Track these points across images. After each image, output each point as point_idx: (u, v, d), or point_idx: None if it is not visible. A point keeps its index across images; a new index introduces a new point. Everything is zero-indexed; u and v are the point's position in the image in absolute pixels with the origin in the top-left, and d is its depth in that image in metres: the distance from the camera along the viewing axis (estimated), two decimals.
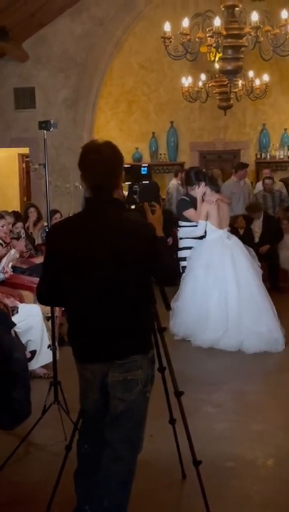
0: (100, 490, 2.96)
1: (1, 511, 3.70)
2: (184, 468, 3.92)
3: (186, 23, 7.21)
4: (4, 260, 6.32)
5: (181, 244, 7.62)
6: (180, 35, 7.22)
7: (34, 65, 11.35)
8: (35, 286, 3.25)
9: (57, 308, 5.17)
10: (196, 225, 7.38)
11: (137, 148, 12.71)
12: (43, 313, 5.93)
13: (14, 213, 8.21)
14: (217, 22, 6.79)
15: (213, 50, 7.72)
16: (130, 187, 3.46)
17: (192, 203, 7.43)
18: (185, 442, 3.54)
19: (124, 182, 3.59)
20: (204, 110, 12.08)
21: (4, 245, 6.66)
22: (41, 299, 3.17)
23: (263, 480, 4.05)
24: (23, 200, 13.48)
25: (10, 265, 6.44)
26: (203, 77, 9.85)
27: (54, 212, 8.08)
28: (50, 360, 4.89)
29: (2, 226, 6.81)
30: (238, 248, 7.20)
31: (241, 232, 9.55)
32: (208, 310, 6.86)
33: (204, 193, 7.31)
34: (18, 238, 7.38)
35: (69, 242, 2.86)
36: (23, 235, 7.77)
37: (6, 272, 6.33)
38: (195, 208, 7.38)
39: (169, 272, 3.04)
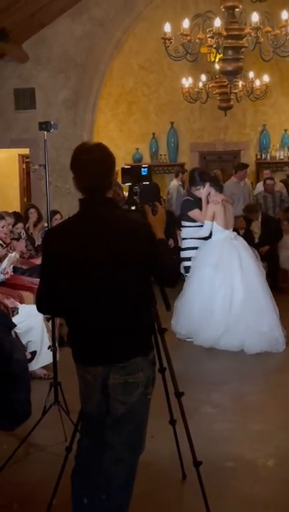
0: (101, 491, 2.96)
1: None
2: (184, 469, 3.93)
3: (186, 23, 7.21)
4: (5, 262, 6.33)
5: (185, 244, 7.63)
6: (180, 35, 7.22)
7: (34, 65, 11.35)
8: (36, 286, 3.25)
9: None
10: (199, 226, 7.39)
11: (137, 149, 12.71)
12: None
13: (14, 214, 8.20)
14: (217, 23, 6.79)
15: (214, 50, 7.71)
16: (130, 188, 3.46)
17: (196, 203, 7.44)
18: (185, 443, 3.55)
19: (125, 183, 3.60)
20: (204, 111, 12.08)
21: (4, 246, 6.66)
22: (41, 307, 3.11)
23: (263, 480, 4.06)
24: (23, 201, 13.48)
25: (11, 267, 6.46)
26: (203, 77, 9.85)
27: (54, 212, 8.07)
28: (51, 361, 4.89)
29: (2, 227, 6.82)
30: (244, 248, 7.26)
31: (241, 233, 9.55)
32: (213, 309, 6.89)
33: (209, 194, 7.33)
34: (18, 239, 7.38)
35: (65, 245, 2.86)
36: (24, 236, 7.77)
37: (7, 272, 6.34)
38: (199, 208, 7.39)
39: (170, 273, 3.04)
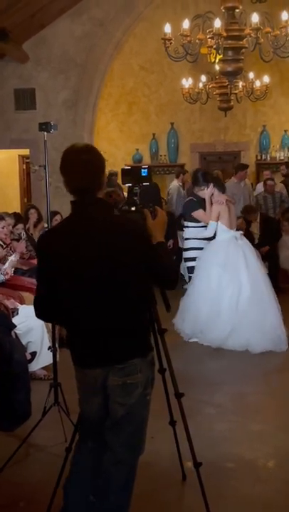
0: (101, 491, 2.96)
1: None
2: (184, 470, 3.93)
3: (186, 24, 7.22)
4: (6, 265, 6.34)
5: (188, 244, 7.63)
6: (180, 36, 7.23)
7: (34, 66, 11.34)
8: (36, 287, 3.23)
9: None
10: (203, 226, 7.40)
11: (137, 150, 12.72)
12: None
13: (15, 215, 8.21)
14: (217, 23, 6.80)
15: (214, 51, 7.72)
16: (130, 189, 3.46)
17: (200, 203, 7.44)
18: (185, 443, 3.55)
19: (125, 183, 3.60)
20: (204, 111, 12.09)
21: (4, 246, 6.67)
22: (38, 311, 3.05)
23: (263, 480, 4.05)
24: (23, 202, 13.49)
25: (12, 270, 6.47)
26: (203, 78, 9.86)
27: (54, 213, 8.07)
28: (51, 361, 4.89)
29: (2, 227, 6.82)
30: (249, 248, 7.31)
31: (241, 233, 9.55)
32: (220, 309, 6.90)
33: (212, 194, 7.34)
34: (18, 240, 7.38)
35: (58, 246, 2.86)
36: (24, 237, 7.77)
37: (7, 273, 6.34)
38: (202, 208, 7.40)
39: (170, 273, 3.03)
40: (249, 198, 10.79)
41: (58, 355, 4.67)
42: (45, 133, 4.63)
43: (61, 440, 4.28)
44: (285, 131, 12.57)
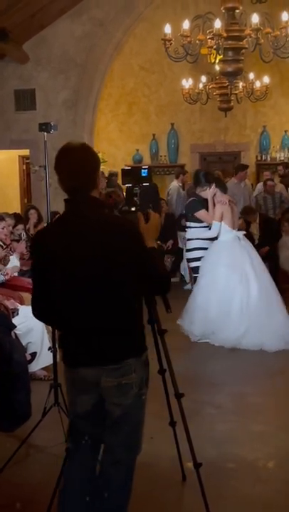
0: (100, 492, 2.95)
1: None
2: (184, 470, 3.93)
3: (186, 25, 7.22)
4: (9, 267, 6.36)
5: (191, 245, 7.63)
6: (180, 37, 7.23)
7: (34, 66, 11.36)
8: (32, 287, 3.22)
9: None
10: (205, 226, 7.40)
11: (137, 150, 12.72)
12: None
13: (15, 215, 8.21)
14: (217, 24, 6.80)
15: (214, 52, 7.73)
16: (129, 189, 3.45)
17: (202, 203, 7.44)
18: (185, 444, 3.54)
19: (125, 184, 3.60)
20: (205, 112, 12.09)
21: (4, 247, 6.67)
22: (37, 312, 3.04)
23: (264, 481, 4.05)
24: (23, 202, 13.50)
25: (12, 268, 6.48)
26: (203, 78, 9.87)
27: (54, 214, 8.01)
28: (51, 362, 4.89)
29: (2, 228, 6.82)
30: (251, 249, 7.34)
31: None
32: (230, 309, 6.92)
33: (214, 194, 7.34)
34: (18, 240, 7.39)
35: (52, 245, 2.84)
36: (24, 237, 7.78)
37: (7, 273, 6.34)
38: (204, 208, 7.40)
39: (163, 277, 2.99)
40: (249, 199, 10.79)
41: (58, 356, 4.66)
42: (45, 133, 4.63)
43: (61, 441, 4.26)
44: (285, 131, 12.57)
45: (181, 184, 11.25)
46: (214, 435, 4.67)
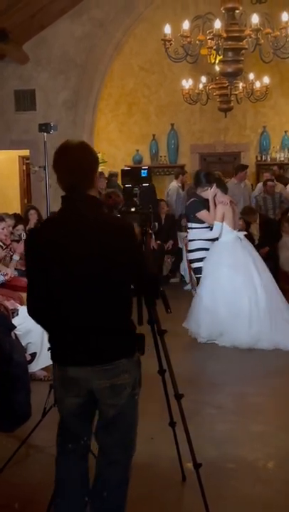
0: (98, 493, 2.95)
1: None
2: (184, 471, 3.93)
3: (186, 25, 7.23)
4: (10, 266, 6.38)
5: (193, 245, 7.61)
6: (180, 37, 7.23)
7: (34, 66, 11.36)
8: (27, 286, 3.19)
9: None
10: (207, 227, 7.39)
11: (137, 151, 12.72)
12: None
13: (15, 216, 8.22)
14: (217, 24, 6.80)
15: (214, 52, 7.74)
16: (129, 190, 3.46)
17: (203, 204, 7.44)
18: (185, 444, 3.54)
19: (124, 184, 3.60)
20: (205, 112, 12.09)
21: (4, 247, 6.67)
22: (31, 311, 2.99)
23: (264, 481, 4.05)
24: (23, 202, 13.49)
25: (12, 268, 6.49)
26: (203, 79, 9.87)
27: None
28: (50, 362, 4.86)
29: (2, 228, 6.83)
30: (252, 249, 7.35)
31: None
32: (238, 310, 6.91)
33: (215, 195, 7.34)
34: (18, 240, 7.39)
35: (48, 244, 2.82)
36: (24, 237, 7.77)
37: (6, 274, 6.34)
38: (205, 209, 7.40)
39: (155, 280, 3.04)
40: (249, 199, 10.80)
41: None
42: (45, 134, 4.64)
43: None
44: (285, 132, 12.57)
45: (180, 184, 11.25)
46: (214, 435, 4.67)
